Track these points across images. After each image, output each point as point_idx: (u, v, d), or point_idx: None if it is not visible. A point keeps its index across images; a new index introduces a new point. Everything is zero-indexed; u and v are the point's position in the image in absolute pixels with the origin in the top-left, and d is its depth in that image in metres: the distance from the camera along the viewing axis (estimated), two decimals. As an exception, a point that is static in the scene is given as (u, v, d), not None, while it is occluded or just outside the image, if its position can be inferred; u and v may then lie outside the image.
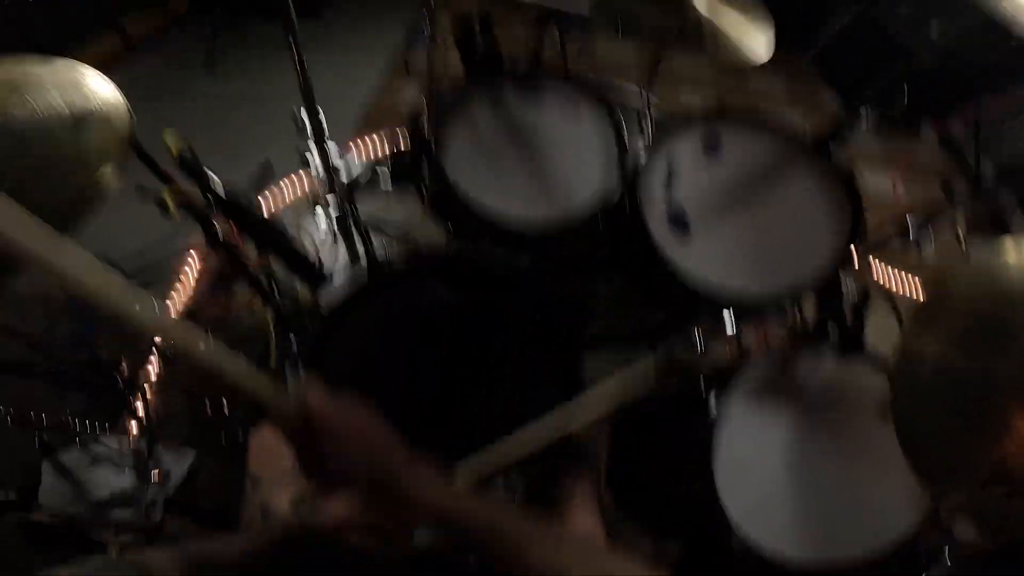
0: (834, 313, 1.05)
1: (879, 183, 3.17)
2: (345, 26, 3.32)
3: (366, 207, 2.18)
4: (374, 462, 0.59)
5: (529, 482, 1.23)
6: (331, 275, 1.35)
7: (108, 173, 0.73)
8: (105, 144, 0.75)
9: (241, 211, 0.95)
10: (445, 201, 1.13)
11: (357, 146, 2.52)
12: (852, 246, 1.07)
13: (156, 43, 2.94)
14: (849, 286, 1.12)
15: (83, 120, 0.77)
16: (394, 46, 3.16)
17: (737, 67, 1.10)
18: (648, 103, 1.45)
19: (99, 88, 0.82)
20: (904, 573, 1.11)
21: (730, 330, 1.78)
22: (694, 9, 1.08)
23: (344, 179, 1.35)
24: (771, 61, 1.14)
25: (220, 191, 0.94)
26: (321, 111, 1.20)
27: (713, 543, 1.15)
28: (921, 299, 0.89)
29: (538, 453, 0.85)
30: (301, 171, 2.30)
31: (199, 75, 2.85)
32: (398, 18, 3.31)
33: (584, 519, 1.07)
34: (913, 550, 1.12)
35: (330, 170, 1.30)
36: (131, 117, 0.77)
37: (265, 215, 1.00)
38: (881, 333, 0.93)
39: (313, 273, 1.09)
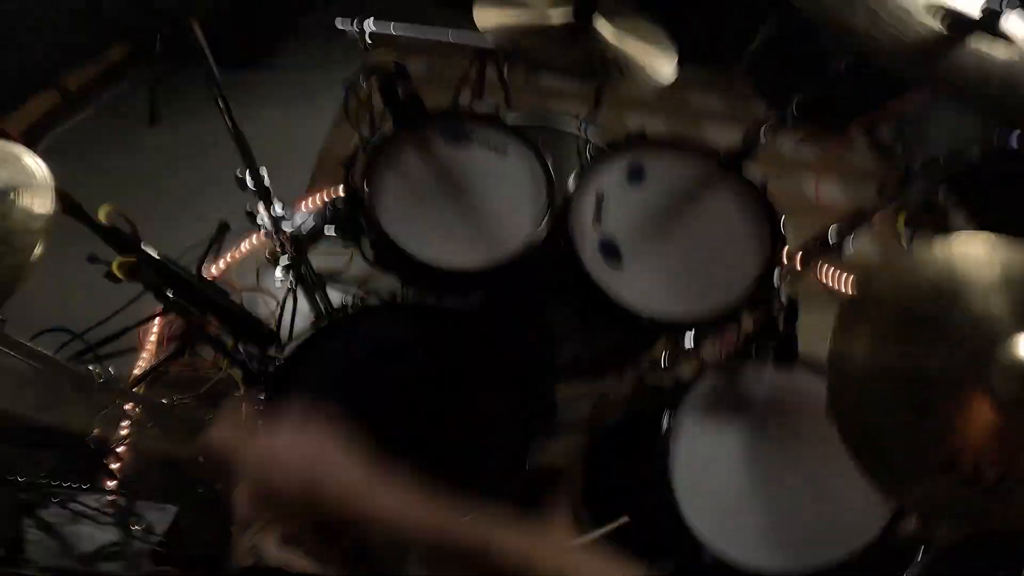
0: (767, 322, 1.07)
1: (808, 187, 3.24)
2: (294, 72, 3.30)
3: (326, 258, 2.20)
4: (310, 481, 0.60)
5: (504, 503, 1.23)
6: (282, 335, 1.36)
7: (34, 251, 0.72)
8: (30, 222, 0.74)
9: (174, 277, 0.95)
10: (384, 253, 1.14)
11: (308, 199, 2.53)
12: (776, 256, 1.10)
13: (96, 97, 2.87)
14: (779, 294, 1.14)
15: (7, 198, 0.76)
16: (344, 92, 3.19)
17: (677, 79, 1.13)
18: (585, 131, 1.48)
19: (25, 163, 0.81)
20: (880, 571, 1.12)
21: (689, 347, 1.83)
22: (599, 41, 1.13)
23: (294, 234, 1.36)
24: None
25: (151, 258, 0.95)
26: (264, 169, 1.21)
27: (688, 558, 1.15)
28: (844, 301, 0.92)
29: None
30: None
31: (143, 128, 2.80)
32: (346, 64, 3.32)
33: (563, 542, 1.07)
34: (886, 549, 1.13)
35: (278, 227, 1.31)
36: (55, 192, 0.77)
37: (205, 281, 1.00)
38: (817, 336, 0.95)
39: (259, 333, 1.09)
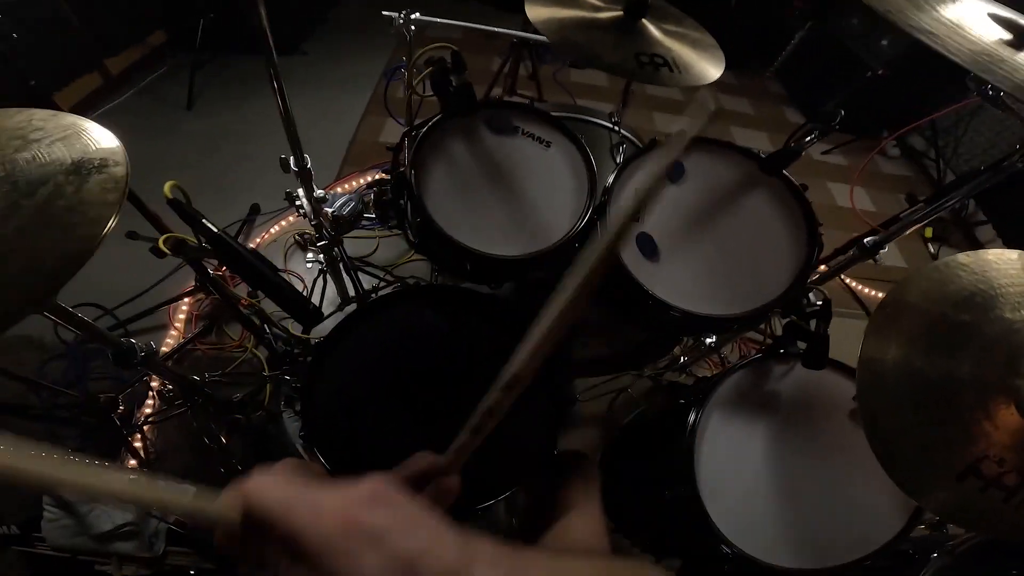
0: (799, 324, 1.08)
1: (845, 195, 3.23)
2: (325, 62, 3.37)
3: (353, 243, 2.24)
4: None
5: (529, 493, 1.24)
6: (321, 312, 1.38)
7: (108, 222, 0.75)
8: (105, 193, 0.77)
9: (231, 252, 0.99)
10: (428, 238, 1.16)
11: (343, 183, 2.58)
12: (813, 260, 1.12)
13: (136, 81, 2.96)
14: (817, 296, 1.15)
15: (85, 169, 0.79)
16: (373, 81, 3.23)
17: (697, 89, 1.16)
18: (620, 127, 1.50)
19: (101, 138, 0.85)
20: (896, 573, 1.13)
21: (712, 345, 1.84)
22: (648, 40, 1.16)
23: (330, 217, 1.38)
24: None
25: (211, 232, 0.98)
26: (307, 155, 1.24)
27: (706, 555, 1.16)
28: (878, 306, 0.93)
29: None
30: (288, 210, 2.35)
31: (180, 112, 2.87)
32: (376, 54, 3.39)
33: (586, 528, 1.08)
34: (903, 551, 1.14)
35: (317, 209, 1.34)
36: (128, 166, 0.80)
37: (254, 255, 1.03)
38: (858, 339, 0.97)
39: (305, 311, 1.12)
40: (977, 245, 2.96)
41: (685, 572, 1.42)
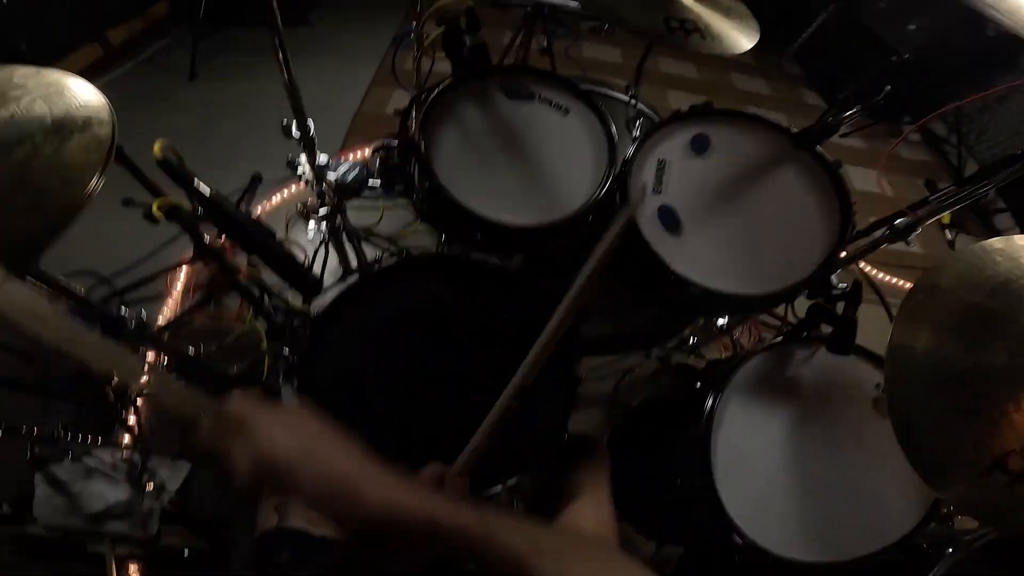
0: (825, 307, 1.04)
1: (863, 178, 3.16)
2: (332, 33, 3.32)
3: (356, 214, 2.19)
4: (317, 473, 0.53)
5: (536, 476, 1.22)
6: (322, 282, 1.34)
7: (91, 181, 0.71)
8: (88, 151, 0.73)
9: (227, 215, 0.94)
10: (436, 205, 1.12)
11: (347, 153, 2.52)
12: (846, 239, 1.07)
13: (137, 52, 2.91)
14: (839, 280, 1.11)
15: (66, 127, 0.75)
16: (381, 52, 3.17)
17: (722, 59, 1.12)
18: (636, 101, 1.45)
19: (83, 95, 0.81)
20: (909, 568, 1.10)
21: (724, 327, 1.80)
22: (678, 4, 1.11)
23: (334, 187, 1.33)
24: (755, 61, 1.16)
25: (205, 194, 0.93)
26: (310, 119, 1.19)
27: (714, 543, 1.13)
28: (910, 292, 0.89)
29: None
30: (290, 180, 2.30)
31: (182, 83, 2.83)
32: (384, 24, 3.32)
33: (594, 516, 1.06)
34: (917, 544, 1.11)
35: (320, 178, 1.29)
36: (115, 125, 0.75)
37: (253, 219, 0.99)
38: (873, 326, 0.92)
39: (304, 279, 1.08)
40: (995, 232, 2.92)
41: (688, 560, 1.40)
